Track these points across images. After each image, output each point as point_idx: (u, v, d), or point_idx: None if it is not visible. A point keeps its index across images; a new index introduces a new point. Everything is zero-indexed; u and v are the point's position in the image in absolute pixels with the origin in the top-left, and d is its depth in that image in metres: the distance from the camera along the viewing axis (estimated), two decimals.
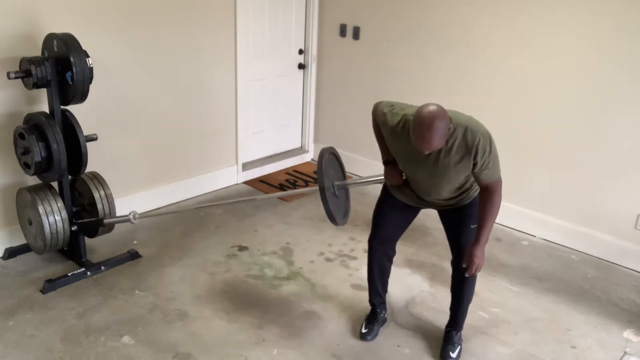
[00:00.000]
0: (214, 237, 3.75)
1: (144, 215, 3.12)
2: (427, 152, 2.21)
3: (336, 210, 2.58)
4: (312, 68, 5.02)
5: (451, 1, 4.03)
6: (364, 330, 2.81)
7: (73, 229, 3.19)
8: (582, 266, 3.62)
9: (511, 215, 4.03)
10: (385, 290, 2.86)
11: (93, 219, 3.21)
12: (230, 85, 4.39)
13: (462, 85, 4.10)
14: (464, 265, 2.47)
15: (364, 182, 2.78)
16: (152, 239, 3.63)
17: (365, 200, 4.44)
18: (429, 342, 2.79)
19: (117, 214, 3.33)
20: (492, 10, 3.83)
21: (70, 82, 2.90)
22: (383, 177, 2.64)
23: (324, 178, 2.50)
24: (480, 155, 2.25)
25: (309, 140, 5.28)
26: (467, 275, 2.48)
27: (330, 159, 2.66)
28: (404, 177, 2.58)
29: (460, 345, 2.72)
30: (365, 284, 2.93)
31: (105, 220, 3.18)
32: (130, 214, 3.08)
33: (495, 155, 2.31)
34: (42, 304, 2.94)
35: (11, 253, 3.36)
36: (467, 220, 2.54)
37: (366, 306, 2.93)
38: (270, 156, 5.06)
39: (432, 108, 2.14)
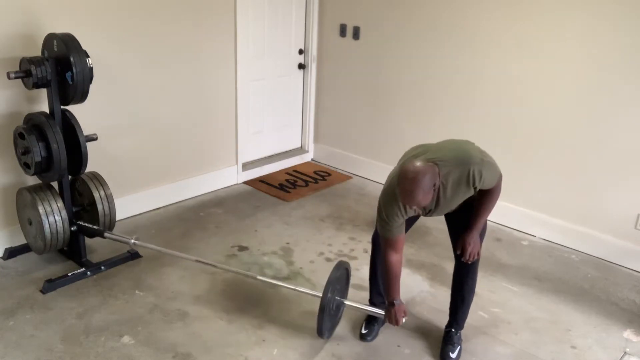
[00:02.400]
0: (214, 237, 3.75)
1: (145, 245, 3.12)
2: (414, 208, 2.24)
3: (328, 325, 2.68)
4: (312, 68, 5.02)
5: (451, 2, 4.03)
6: (364, 331, 2.80)
7: (73, 229, 3.19)
8: (582, 266, 3.62)
9: (511, 215, 4.03)
10: None
11: (96, 228, 3.21)
12: (230, 86, 4.39)
13: (462, 85, 4.10)
14: (458, 252, 2.53)
15: (364, 309, 2.79)
16: (152, 239, 3.63)
17: (365, 200, 4.44)
18: (429, 342, 2.79)
19: (118, 217, 3.33)
20: (493, 10, 3.83)
21: (70, 82, 2.90)
22: (383, 312, 2.65)
23: (328, 295, 2.57)
24: (478, 180, 2.28)
25: (309, 140, 5.28)
26: (462, 261, 2.53)
27: (342, 274, 2.73)
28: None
29: (460, 345, 2.71)
30: (366, 284, 2.93)
31: (106, 234, 3.17)
32: (132, 238, 3.09)
33: (490, 164, 2.33)
34: (42, 304, 2.94)
35: (11, 253, 3.36)
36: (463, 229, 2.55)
37: None
38: (270, 156, 5.06)
39: (416, 163, 2.17)
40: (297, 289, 2.89)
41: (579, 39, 3.52)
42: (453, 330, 2.73)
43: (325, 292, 2.57)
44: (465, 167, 2.25)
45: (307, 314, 2.96)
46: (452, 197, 2.32)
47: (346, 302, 2.77)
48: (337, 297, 2.70)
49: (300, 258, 3.54)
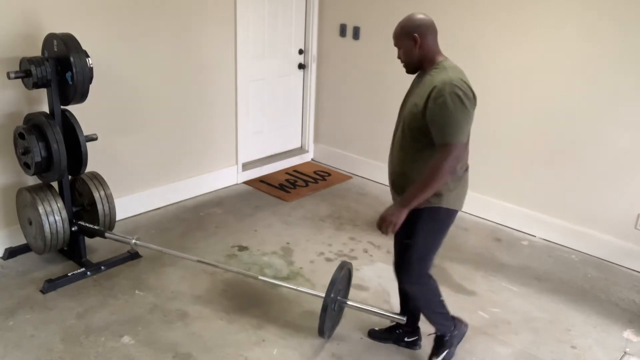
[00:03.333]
0: (214, 237, 3.75)
1: (146, 245, 3.12)
2: (394, 41, 2.36)
3: (329, 324, 2.68)
4: (312, 68, 5.02)
5: (451, 1, 4.02)
6: (376, 328, 2.79)
7: (73, 229, 3.19)
8: (582, 266, 3.62)
9: (511, 215, 4.03)
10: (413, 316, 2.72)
11: (95, 228, 3.21)
12: (230, 85, 4.39)
13: None
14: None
15: (365, 309, 2.79)
16: (152, 239, 3.63)
17: (365, 200, 4.44)
18: (429, 342, 2.79)
19: (118, 217, 3.33)
20: (492, 9, 3.83)
21: (70, 82, 2.90)
22: (386, 313, 2.70)
23: (331, 295, 2.58)
24: (432, 99, 2.09)
25: (309, 140, 5.28)
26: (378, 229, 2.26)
27: (344, 274, 2.72)
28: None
29: (448, 349, 2.62)
30: (365, 283, 2.93)
31: (107, 234, 3.18)
32: (132, 239, 3.08)
33: (449, 111, 2.06)
34: (42, 304, 2.94)
35: (11, 253, 3.36)
36: (402, 232, 2.31)
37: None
38: (270, 156, 5.06)
39: (424, 14, 2.37)
40: (298, 289, 2.89)
41: (580, 37, 3.52)
42: (433, 333, 2.63)
43: (328, 292, 2.57)
44: (443, 77, 2.11)
45: (307, 314, 2.96)
46: (415, 94, 2.23)
47: (348, 302, 2.77)
48: (339, 298, 2.71)
49: (300, 258, 3.54)
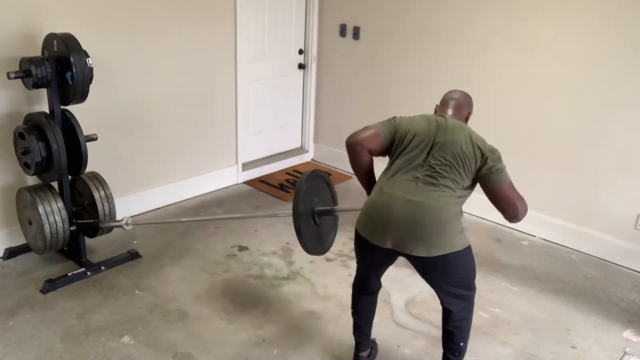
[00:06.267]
0: (214, 237, 3.75)
1: (136, 222, 3.12)
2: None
3: (312, 239, 2.48)
4: (312, 68, 5.02)
5: (452, 2, 4.03)
6: None
7: (73, 229, 3.19)
8: (582, 266, 3.63)
9: None
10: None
11: (91, 221, 3.22)
12: (230, 85, 4.39)
13: (463, 85, 4.09)
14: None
15: (348, 210, 2.61)
16: (152, 239, 3.63)
17: (365, 200, 4.43)
18: (429, 342, 2.79)
19: (117, 216, 3.34)
20: (494, 10, 3.83)
21: (70, 82, 2.90)
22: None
23: (299, 203, 2.36)
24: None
25: (309, 140, 5.28)
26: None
27: (316, 184, 2.52)
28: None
29: None
30: None
31: (102, 224, 3.18)
32: (123, 219, 3.09)
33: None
34: (42, 304, 2.94)
35: (11, 253, 3.36)
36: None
37: None
38: (270, 156, 5.06)
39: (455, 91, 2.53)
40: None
41: (579, 39, 3.52)
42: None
43: (295, 207, 2.35)
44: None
45: (307, 314, 2.97)
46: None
47: (332, 208, 2.59)
48: (318, 208, 2.50)
49: (300, 258, 3.54)
